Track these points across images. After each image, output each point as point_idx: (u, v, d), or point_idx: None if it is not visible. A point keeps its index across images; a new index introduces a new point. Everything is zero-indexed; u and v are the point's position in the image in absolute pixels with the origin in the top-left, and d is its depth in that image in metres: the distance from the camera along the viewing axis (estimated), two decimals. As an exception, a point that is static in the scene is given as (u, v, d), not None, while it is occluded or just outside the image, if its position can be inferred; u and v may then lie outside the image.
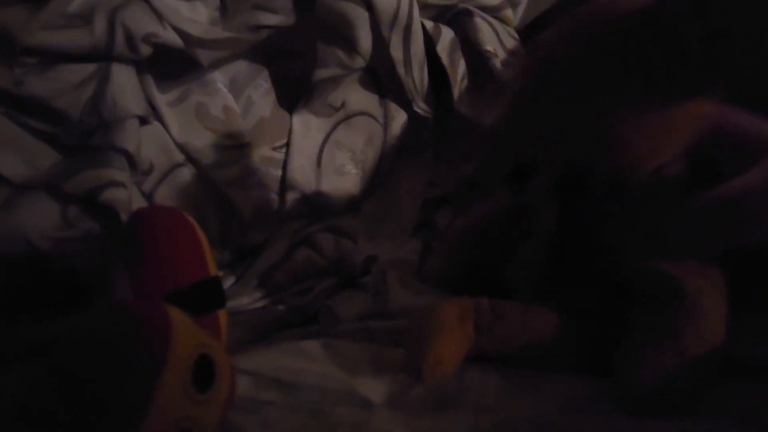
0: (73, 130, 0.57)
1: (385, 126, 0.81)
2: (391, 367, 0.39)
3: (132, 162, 0.60)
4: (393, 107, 0.80)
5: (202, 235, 0.43)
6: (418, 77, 0.75)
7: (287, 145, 0.79)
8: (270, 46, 0.72)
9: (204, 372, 0.27)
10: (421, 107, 0.79)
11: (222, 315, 0.42)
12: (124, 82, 0.58)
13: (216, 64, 0.68)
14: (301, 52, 0.74)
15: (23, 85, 0.52)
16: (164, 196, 0.67)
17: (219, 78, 0.72)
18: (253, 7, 0.62)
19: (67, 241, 0.56)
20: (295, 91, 0.78)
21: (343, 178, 0.80)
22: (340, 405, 0.36)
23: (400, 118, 0.81)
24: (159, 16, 0.58)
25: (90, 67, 0.56)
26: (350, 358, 0.42)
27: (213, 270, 0.43)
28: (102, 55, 0.56)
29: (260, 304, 0.66)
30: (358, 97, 0.79)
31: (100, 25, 0.54)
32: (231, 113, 0.73)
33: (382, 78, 0.77)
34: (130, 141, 0.59)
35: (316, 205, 0.78)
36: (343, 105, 0.79)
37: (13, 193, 0.58)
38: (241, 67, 0.73)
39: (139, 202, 0.64)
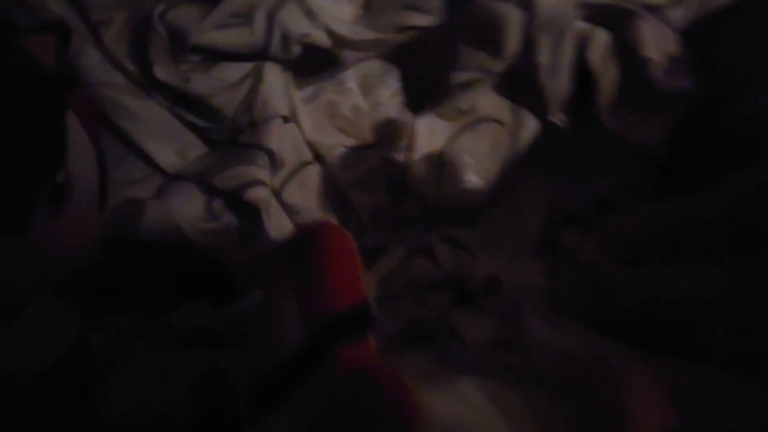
0: (225, 127, 0.59)
1: (514, 134, 0.76)
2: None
3: (273, 161, 0.60)
4: (525, 114, 0.74)
5: (358, 255, 0.42)
6: (560, 84, 0.68)
7: (409, 148, 0.76)
8: (404, 46, 0.69)
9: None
10: (558, 117, 0.72)
11: (372, 341, 0.41)
12: (274, 82, 0.58)
13: (351, 63, 0.67)
14: (434, 53, 0.70)
15: (189, 82, 0.53)
16: (292, 193, 0.68)
17: (351, 76, 0.71)
18: (404, 7, 0.59)
19: (211, 233, 0.59)
20: (423, 93, 0.75)
21: (464, 186, 0.77)
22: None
23: (531, 127, 0.75)
24: (311, 15, 0.57)
25: (247, 66, 0.57)
26: (511, 411, 0.38)
27: (365, 290, 0.42)
28: (258, 55, 0.56)
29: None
30: (489, 101, 0.74)
31: (259, 24, 0.54)
32: (360, 113, 0.72)
33: (519, 83, 0.72)
34: (274, 140, 0.59)
35: (433, 213, 0.76)
36: (472, 109, 0.75)
37: (166, 182, 0.62)
38: (373, 66, 0.72)
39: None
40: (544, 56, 0.65)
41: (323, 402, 0.27)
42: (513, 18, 0.59)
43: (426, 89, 0.75)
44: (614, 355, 0.40)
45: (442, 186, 0.76)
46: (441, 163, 0.77)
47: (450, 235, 0.76)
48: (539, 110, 0.74)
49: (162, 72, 0.53)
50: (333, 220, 0.73)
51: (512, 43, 0.62)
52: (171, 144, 0.61)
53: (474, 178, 0.77)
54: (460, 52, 0.65)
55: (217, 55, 0.56)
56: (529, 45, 0.64)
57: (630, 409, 0.35)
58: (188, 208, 0.59)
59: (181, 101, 0.57)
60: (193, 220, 0.59)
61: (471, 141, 0.76)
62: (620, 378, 0.37)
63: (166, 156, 0.60)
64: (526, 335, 0.54)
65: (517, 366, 0.48)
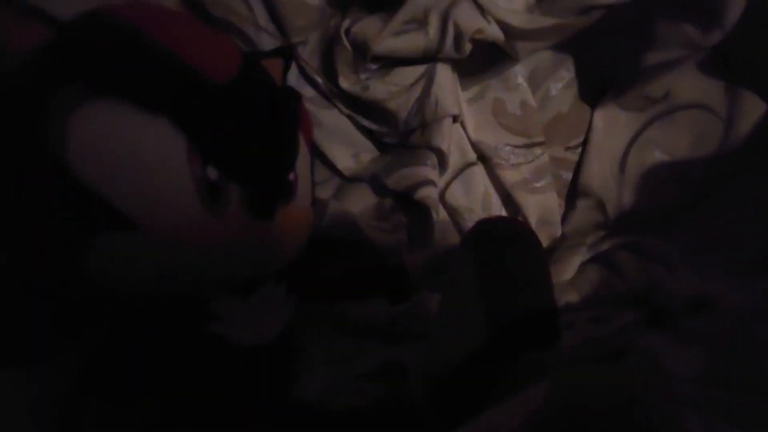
0: (397, 130, 0.61)
1: (729, 122, 0.62)
2: None
3: (442, 160, 0.61)
4: (746, 97, 0.60)
5: (544, 254, 0.38)
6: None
7: (584, 144, 0.69)
8: (580, 33, 0.62)
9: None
10: (798, 96, 0.56)
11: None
12: (445, 82, 0.59)
13: (522, 56, 0.63)
14: (620, 34, 0.62)
15: (368, 89, 0.57)
16: (455, 194, 0.67)
17: (520, 71, 0.67)
18: (587, -14, 0.53)
19: (382, 230, 0.62)
20: (602, 83, 0.67)
21: (654, 185, 0.65)
22: None
23: (754, 113, 0.60)
24: (482, 10, 0.56)
25: (420, 69, 0.58)
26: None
27: (554, 293, 0.38)
28: (431, 56, 0.57)
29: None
30: (691, 85, 0.62)
31: (433, 26, 0.55)
32: (528, 109, 0.68)
33: (738, 59, 0.58)
34: (444, 140, 0.59)
35: (614, 217, 0.66)
36: (666, 96, 0.64)
37: (343, 183, 0.67)
38: (543, 57, 0.67)
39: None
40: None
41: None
42: (738, -24, 0.48)
43: (605, 78, 0.67)
44: None
45: (625, 187, 0.67)
46: (624, 161, 0.67)
47: (636, 243, 0.65)
48: (766, 91, 0.59)
49: (345, 82, 0.58)
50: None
51: (736, 9, 0.50)
52: (348, 148, 0.66)
53: (668, 175, 0.65)
54: (659, 27, 0.55)
55: (393, 61, 0.58)
56: (755, 9, 0.52)
57: None
58: (363, 207, 0.63)
59: (359, 108, 0.62)
60: (367, 219, 0.62)
61: (665, 133, 0.65)
62: None
63: (344, 159, 0.66)
64: (755, 372, 0.42)
65: (753, 412, 0.38)
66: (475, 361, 0.35)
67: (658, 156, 0.66)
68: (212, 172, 0.28)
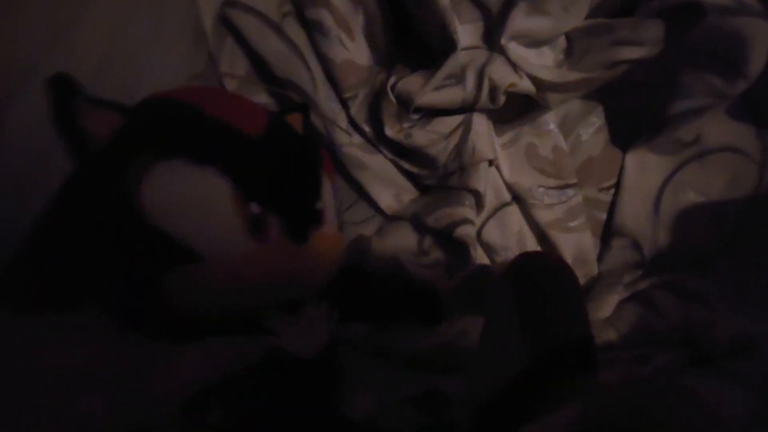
0: (437, 173, 0.66)
1: (763, 164, 0.63)
2: None
3: (479, 201, 0.65)
4: (778, 140, 0.62)
5: (580, 288, 0.41)
6: (835, 100, 0.55)
7: (617, 185, 0.71)
8: (608, 82, 0.67)
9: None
10: (831, 139, 0.58)
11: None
12: (482, 130, 0.64)
13: (554, 104, 0.68)
14: (647, 84, 0.66)
15: (411, 137, 0.63)
16: (491, 233, 0.70)
17: (551, 118, 0.72)
18: (613, 43, 0.58)
19: (422, 267, 0.66)
20: (631, 129, 0.71)
21: (690, 226, 0.67)
22: None
23: (787, 155, 0.62)
24: (514, 66, 0.62)
25: (458, 119, 0.64)
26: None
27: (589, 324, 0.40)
28: (468, 107, 0.63)
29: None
30: (721, 129, 0.64)
31: (470, 81, 0.61)
32: (559, 153, 0.72)
33: (766, 105, 0.61)
34: (481, 182, 0.64)
35: (650, 257, 0.67)
36: (696, 140, 0.66)
37: (385, 222, 0.73)
38: (574, 105, 0.71)
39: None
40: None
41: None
42: (757, 31, 0.52)
43: (634, 124, 0.70)
44: None
45: (660, 227, 0.68)
46: (658, 201, 0.69)
47: (675, 282, 0.66)
48: (799, 133, 0.60)
49: (391, 131, 0.65)
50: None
51: (757, 60, 0.54)
52: (390, 189, 0.71)
53: (703, 216, 0.66)
54: (685, 78, 0.59)
55: (433, 112, 0.65)
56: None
57: None
58: (404, 244, 0.68)
59: (402, 153, 0.68)
60: (408, 255, 0.67)
61: (698, 176, 0.67)
62: None
63: (386, 199, 0.71)
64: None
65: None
66: (515, 387, 0.37)
67: (692, 197, 0.67)
68: (255, 207, 0.35)
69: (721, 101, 0.60)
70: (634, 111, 0.69)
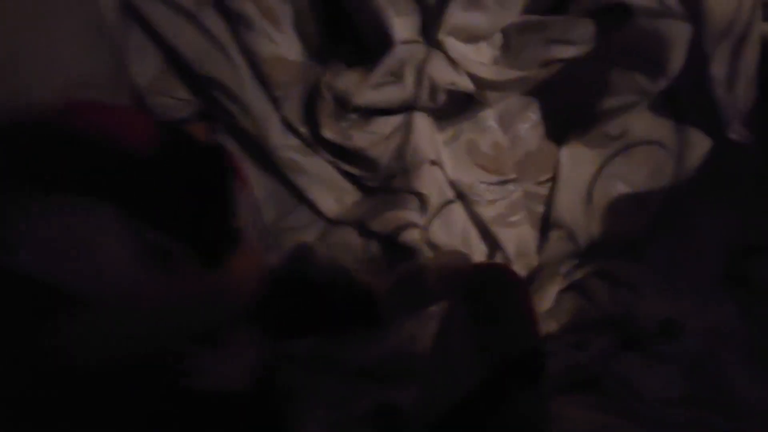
0: (379, 175, 0.64)
1: (679, 156, 0.68)
2: None
3: (423, 203, 0.64)
4: (693, 133, 0.66)
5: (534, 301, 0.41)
6: (742, 95, 0.60)
7: (553, 179, 0.74)
8: (544, 79, 0.68)
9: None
10: (738, 131, 0.63)
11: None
12: (423, 130, 0.62)
13: (493, 102, 0.68)
14: (580, 82, 0.67)
15: (351, 139, 0.60)
16: (437, 232, 0.70)
17: (490, 114, 0.71)
18: (548, 41, 0.59)
19: (367, 272, 0.64)
20: (565, 123, 0.73)
21: (618, 215, 0.70)
22: None
23: (701, 147, 0.67)
24: (454, 64, 0.60)
25: (398, 119, 0.62)
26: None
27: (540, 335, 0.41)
28: (408, 107, 0.61)
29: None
30: (644, 124, 0.68)
31: (409, 80, 0.59)
32: (499, 149, 0.72)
33: (683, 100, 0.65)
34: (425, 184, 0.62)
35: (584, 246, 0.71)
36: (622, 134, 0.69)
37: (328, 226, 0.69)
38: (511, 102, 0.72)
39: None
40: (718, 68, 0.58)
41: None
42: (680, 33, 0.55)
43: (568, 119, 0.72)
44: None
45: (593, 217, 0.71)
46: (590, 193, 0.72)
47: (606, 270, 0.70)
48: (711, 127, 0.65)
49: (329, 132, 0.61)
50: (478, 256, 0.73)
51: (677, 59, 0.56)
52: (331, 192, 0.68)
53: (631, 205, 0.70)
54: (612, 76, 0.61)
55: (371, 112, 0.62)
56: (695, 59, 0.58)
57: None
58: (348, 250, 0.65)
59: (341, 154, 0.64)
60: (353, 261, 0.64)
61: (624, 167, 0.70)
62: None
63: (328, 203, 0.68)
64: (726, 392, 0.46)
65: (719, 429, 0.41)
66: (470, 400, 0.37)
67: (620, 188, 0.71)
68: (152, 236, 0.30)
69: (645, 98, 0.62)
70: (567, 107, 0.71)
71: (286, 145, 0.64)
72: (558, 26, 0.58)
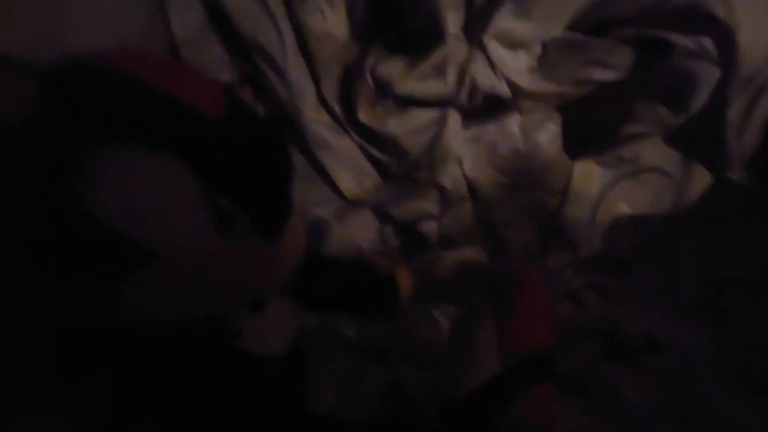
0: (405, 163, 0.65)
1: (681, 186, 0.73)
2: None
3: (444, 196, 0.66)
4: (697, 168, 0.71)
5: (554, 305, 0.44)
6: (749, 141, 0.65)
7: (563, 191, 0.77)
8: (576, 96, 0.71)
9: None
10: (738, 173, 0.68)
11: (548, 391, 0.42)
12: (456, 128, 0.64)
13: (526, 111, 0.70)
14: (606, 104, 0.71)
15: (386, 125, 0.61)
16: (446, 224, 0.72)
17: (514, 121, 0.74)
18: (587, 62, 0.61)
19: (382, 255, 0.66)
20: (583, 140, 0.76)
21: (617, 233, 0.75)
22: None
23: (701, 181, 0.72)
24: (494, 68, 0.62)
25: (433, 113, 0.63)
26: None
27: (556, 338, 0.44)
28: (445, 102, 0.62)
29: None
30: (655, 153, 0.72)
31: (451, 77, 0.60)
32: (518, 155, 0.75)
33: (695, 137, 0.69)
34: (449, 179, 0.64)
35: (583, 258, 0.75)
36: (635, 159, 0.73)
37: (345, 207, 0.70)
38: (536, 111, 0.74)
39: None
40: (736, 113, 0.62)
41: None
42: (708, 75, 0.58)
43: (586, 137, 0.76)
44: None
45: (593, 233, 0.76)
46: (595, 209, 0.76)
47: (599, 283, 0.75)
48: (715, 166, 0.70)
49: (364, 115, 0.62)
50: (483, 253, 0.76)
51: (701, 98, 0.60)
52: (353, 173, 0.69)
53: (630, 226, 0.75)
54: (638, 105, 0.65)
55: (407, 101, 0.63)
56: (716, 101, 0.62)
57: None
58: (364, 232, 0.67)
59: (371, 138, 0.66)
60: (368, 243, 0.66)
61: (630, 190, 0.75)
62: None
63: (348, 183, 0.69)
64: (703, 406, 0.51)
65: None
66: (489, 388, 0.40)
67: (623, 208, 0.76)
68: (223, 202, 0.30)
69: (663, 129, 0.66)
70: (587, 125, 0.74)
71: (317, 120, 0.65)
72: (600, 49, 0.60)
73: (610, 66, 0.60)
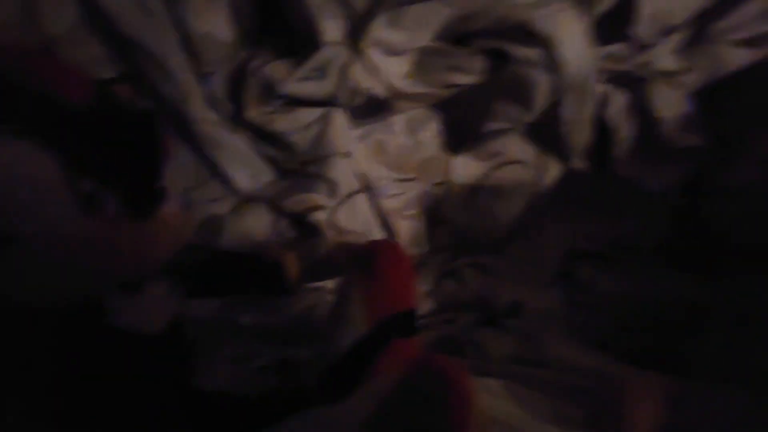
0: (296, 159, 0.70)
1: (538, 176, 0.85)
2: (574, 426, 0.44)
3: (333, 189, 0.71)
4: (549, 160, 0.84)
5: (414, 272, 0.51)
6: (581, 135, 0.78)
7: (446, 183, 0.87)
8: (445, 98, 0.80)
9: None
10: (578, 163, 0.82)
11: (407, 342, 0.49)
12: (339, 125, 0.70)
13: (402, 110, 0.78)
14: (472, 105, 0.81)
15: (273, 122, 0.65)
16: (342, 218, 0.78)
17: (398, 120, 0.82)
18: (449, 67, 0.70)
19: (275, 245, 0.69)
20: (460, 136, 0.86)
21: (492, 219, 0.86)
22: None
23: (554, 171, 0.85)
24: (373, 71, 0.69)
25: (318, 111, 0.68)
26: (534, 407, 0.46)
27: (417, 302, 0.51)
28: (328, 102, 0.68)
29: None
30: (516, 147, 0.84)
31: (332, 79, 0.66)
32: (404, 151, 0.83)
33: (544, 132, 0.82)
34: (337, 173, 0.70)
35: (463, 240, 0.85)
36: (501, 153, 0.85)
37: (240, 201, 0.73)
38: (417, 111, 0.83)
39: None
40: (568, 112, 0.75)
41: (391, 385, 0.35)
42: (541, 80, 0.70)
43: (462, 134, 0.86)
44: (621, 371, 0.48)
45: (472, 217, 0.86)
46: (473, 198, 0.87)
47: (477, 261, 0.85)
48: (562, 157, 0.84)
49: (252, 113, 0.65)
50: (366, 237, 0.83)
51: (540, 100, 0.72)
52: (247, 170, 0.72)
53: (500, 212, 0.87)
54: (494, 105, 0.75)
55: (294, 101, 0.68)
56: (555, 102, 0.75)
57: (630, 413, 0.43)
58: (259, 225, 0.70)
59: (261, 136, 0.69)
60: (263, 237, 0.70)
61: (500, 180, 0.86)
62: (623, 388, 0.45)
63: (243, 180, 0.72)
64: (546, 353, 0.62)
65: (538, 376, 0.56)
66: (356, 348, 0.46)
67: (495, 197, 0.87)
68: (87, 184, 0.33)
69: (518, 126, 0.78)
70: (462, 123, 0.84)
71: (206, 119, 0.67)
72: (459, 56, 0.70)
73: (469, 71, 0.70)
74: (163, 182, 0.39)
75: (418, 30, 0.70)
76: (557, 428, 0.44)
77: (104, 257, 0.36)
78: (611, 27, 0.78)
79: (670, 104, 0.78)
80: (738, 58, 0.79)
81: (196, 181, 0.72)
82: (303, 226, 0.71)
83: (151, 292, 0.41)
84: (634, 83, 0.78)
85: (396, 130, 0.82)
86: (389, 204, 0.81)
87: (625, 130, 0.80)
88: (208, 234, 0.68)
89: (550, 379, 0.54)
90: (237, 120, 0.68)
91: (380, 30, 0.68)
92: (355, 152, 0.78)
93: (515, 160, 0.85)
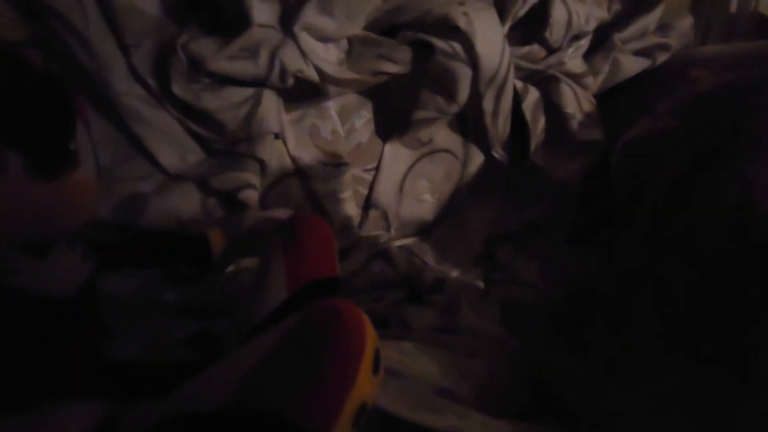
0: (225, 138, 0.70)
1: (464, 164, 0.92)
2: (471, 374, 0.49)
3: (263, 169, 0.72)
4: (473, 149, 0.91)
5: (335, 243, 0.54)
6: (501, 127, 0.85)
7: (377, 169, 0.90)
8: (377, 86, 0.84)
9: (376, 360, 0.37)
10: (498, 152, 0.89)
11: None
12: (271, 105, 0.71)
13: (333, 95, 0.81)
14: (401, 94, 0.86)
15: (201, 99, 0.65)
16: (274, 198, 0.79)
17: (332, 106, 0.84)
18: (379, 56, 0.74)
19: (202, 223, 0.69)
20: (391, 124, 0.90)
21: (420, 204, 0.91)
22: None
23: (477, 159, 0.92)
24: (304, 55, 0.71)
25: (248, 91, 0.69)
26: (437, 362, 0.51)
27: (338, 270, 0.54)
28: (259, 83, 0.69)
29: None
30: (444, 136, 0.90)
31: (263, 60, 0.67)
32: (337, 136, 0.85)
33: (469, 123, 0.88)
34: (266, 152, 0.71)
35: (393, 224, 0.89)
36: (430, 141, 0.90)
37: (167, 181, 0.72)
38: (351, 98, 0.86)
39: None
40: (488, 104, 0.82)
41: (293, 322, 0.38)
42: (464, 74, 0.76)
43: (393, 121, 0.90)
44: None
45: (402, 203, 0.91)
46: (402, 184, 0.91)
47: (405, 243, 0.89)
48: (484, 147, 0.90)
49: (179, 89, 0.65)
50: (289, 212, 0.84)
51: (463, 92, 0.78)
52: (174, 148, 0.71)
53: (429, 197, 0.92)
54: (422, 95, 0.80)
55: (224, 80, 0.68)
56: (474, 94, 0.81)
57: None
58: (186, 204, 0.70)
59: (189, 114, 0.69)
60: (190, 214, 0.69)
61: (428, 167, 0.92)
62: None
63: (169, 158, 0.71)
64: (459, 322, 0.67)
65: (446, 340, 0.61)
66: (275, 314, 0.48)
67: (424, 183, 0.92)
68: None
69: (444, 116, 0.83)
70: (393, 111, 0.88)
71: (130, 93, 0.65)
72: (387, 46, 0.74)
73: (396, 60, 0.74)
74: (73, 145, 0.39)
75: (348, 18, 0.73)
76: (452, 380, 0.48)
77: (7, 217, 0.35)
78: (527, 30, 0.86)
79: (575, 102, 0.87)
80: (633, 65, 0.90)
81: (120, 157, 0.70)
82: (233, 204, 0.71)
83: (60, 256, 0.41)
84: (545, 81, 0.86)
85: (329, 116, 0.84)
86: (322, 187, 0.84)
87: (538, 123, 0.88)
88: (130, 212, 0.67)
89: (456, 342, 0.59)
90: (163, 96, 0.67)
91: (311, 16, 0.70)
92: (288, 135, 0.80)
93: (444, 149, 0.90)
